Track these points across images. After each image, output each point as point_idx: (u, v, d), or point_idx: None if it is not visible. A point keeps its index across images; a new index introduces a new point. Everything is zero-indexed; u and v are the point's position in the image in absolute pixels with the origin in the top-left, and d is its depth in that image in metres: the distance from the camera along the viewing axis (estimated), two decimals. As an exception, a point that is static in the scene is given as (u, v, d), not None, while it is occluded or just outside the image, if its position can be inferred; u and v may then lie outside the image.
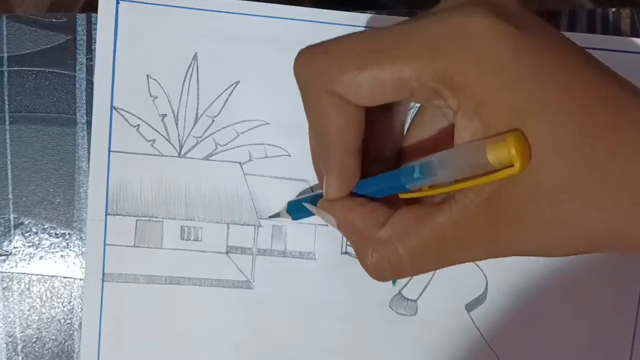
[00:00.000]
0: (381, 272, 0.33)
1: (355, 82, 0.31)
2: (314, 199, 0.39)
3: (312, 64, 0.33)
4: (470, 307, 0.46)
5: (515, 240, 0.31)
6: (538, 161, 0.28)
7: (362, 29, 0.44)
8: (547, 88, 0.28)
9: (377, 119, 0.35)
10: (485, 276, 0.46)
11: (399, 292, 0.46)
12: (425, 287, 0.46)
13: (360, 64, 0.31)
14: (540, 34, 0.29)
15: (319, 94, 0.33)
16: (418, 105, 0.39)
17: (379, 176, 0.35)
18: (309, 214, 0.41)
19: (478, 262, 0.46)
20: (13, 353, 0.46)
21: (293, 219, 0.44)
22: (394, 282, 0.46)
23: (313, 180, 0.45)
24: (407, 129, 0.38)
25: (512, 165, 0.28)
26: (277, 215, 0.45)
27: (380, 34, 0.31)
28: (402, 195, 0.34)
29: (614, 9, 0.47)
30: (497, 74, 0.29)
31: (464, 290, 0.46)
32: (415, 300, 0.46)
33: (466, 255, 0.32)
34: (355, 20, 0.44)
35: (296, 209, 0.43)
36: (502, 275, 0.46)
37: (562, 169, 0.28)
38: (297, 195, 0.45)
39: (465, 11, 0.29)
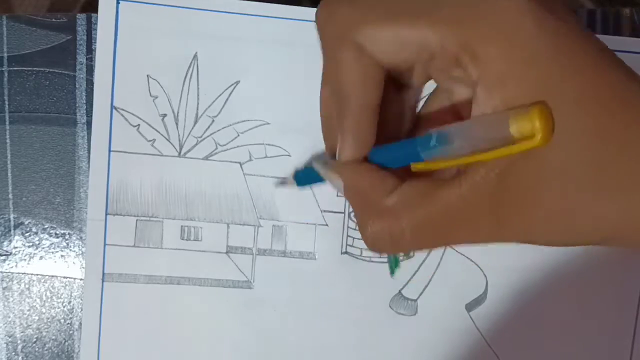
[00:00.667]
0: (380, 242, 0.33)
1: (379, 36, 0.31)
2: (323, 165, 0.38)
3: (337, 13, 0.32)
4: (470, 307, 0.46)
5: (521, 222, 0.30)
6: (553, 142, 0.28)
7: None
8: (568, 71, 0.28)
9: (390, 100, 0.35)
10: (485, 276, 0.46)
11: (399, 292, 0.46)
12: (426, 286, 0.46)
13: (385, 18, 0.31)
14: (566, 18, 0.29)
15: (340, 44, 0.32)
16: (427, 95, 0.39)
17: (393, 144, 0.34)
18: (315, 180, 0.40)
19: (478, 262, 0.46)
20: (13, 353, 0.46)
21: (298, 184, 0.43)
22: (392, 272, 0.46)
23: (313, 180, 0.45)
24: (418, 113, 0.38)
25: (534, 138, 0.27)
26: (284, 181, 0.45)
27: None
28: (414, 167, 0.33)
29: (614, 9, 0.47)
30: (521, 49, 0.28)
31: (464, 290, 0.46)
32: (416, 300, 0.46)
33: (469, 235, 0.32)
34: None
35: (303, 176, 0.42)
36: (502, 275, 0.46)
37: (576, 154, 0.28)
38: (305, 163, 0.45)
39: None
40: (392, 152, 0.34)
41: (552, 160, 0.29)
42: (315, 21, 0.34)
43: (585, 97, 0.28)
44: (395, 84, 0.35)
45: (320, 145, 0.44)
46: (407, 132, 0.38)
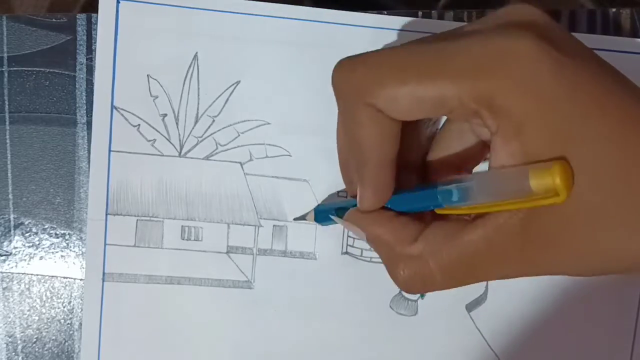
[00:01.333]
0: (412, 286, 0.33)
1: (395, 97, 0.31)
2: (341, 209, 0.39)
3: (351, 75, 0.33)
4: (470, 307, 0.46)
5: (548, 262, 0.31)
6: (577, 188, 0.28)
7: (362, 28, 0.44)
8: (587, 114, 0.28)
9: (407, 128, 0.35)
10: (486, 276, 0.46)
11: (400, 292, 0.46)
12: (426, 287, 0.46)
13: (400, 78, 0.31)
14: (582, 56, 0.30)
15: (357, 105, 0.32)
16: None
17: (413, 194, 0.35)
18: (335, 222, 0.41)
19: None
20: (13, 353, 0.46)
21: (319, 223, 0.44)
22: (422, 296, 0.46)
23: (313, 179, 0.45)
24: (435, 139, 0.38)
25: (554, 192, 0.28)
26: (303, 218, 0.45)
27: (421, 49, 0.31)
28: (438, 211, 0.34)
29: (614, 9, 0.47)
30: (538, 99, 0.28)
31: (464, 291, 0.46)
32: (416, 301, 0.46)
33: (498, 273, 0.32)
34: (355, 20, 0.44)
35: (323, 216, 0.43)
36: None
37: (600, 197, 0.29)
38: (325, 199, 0.45)
39: (508, 32, 0.29)
40: (414, 202, 0.35)
41: (575, 206, 0.29)
42: (331, 80, 0.34)
43: (606, 136, 0.28)
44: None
45: (320, 145, 0.44)
46: (423, 159, 0.39)
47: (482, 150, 0.37)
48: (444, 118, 0.38)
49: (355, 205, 0.37)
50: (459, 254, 0.32)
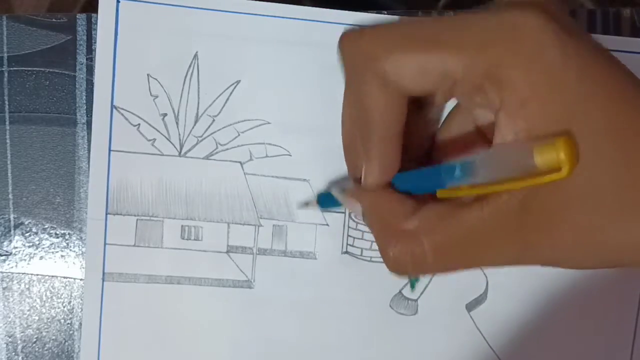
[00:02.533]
0: (402, 266, 0.32)
1: (401, 65, 0.31)
2: (342, 191, 0.39)
3: (359, 43, 0.33)
4: (470, 306, 0.46)
5: (546, 246, 0.30)
6: (578, 168, 0.28)
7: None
8: (591, 95, 0.28)
9: (411, 117, 0.35)
10: (486, 276, 0.46)
11: (400, 291, 0.46)
12: (426, 286, 0.46)
13: (407, 48, 0.31)
14: (585, 39, 0.29)
15: (363, 73, 0.32)
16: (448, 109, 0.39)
17: (417, 171, 0.35)
18: (337, 204, 0.40)
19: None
20: (13, 353, 0.46)
21: (322, 208, 0.44)
22: (412, 286, 0.46)
23: (313, 179, 0.45)
24: (438, 131, 0.38)
25: (558, 169, 0.27)
26: (306, 204, 0.45)
27: (429, 22, 0.32)
28: (439, 193, 0.33)
29: (614, 9, 0.47)
30: (545, 74, 0.28)
31: (464, 290, 0.46)
32: (416, 300, 0.46)
33: (492, 258, 0.32)
34: (356, 20, 0.44)
35: (325, 200, 0.43)
36: (502, 275, 0.46)
37: (600, 178, 0.28)
38: (327, 186, 0.45)
39: (517, 8, 0.29)
40: (416, 179, 0.35)
41: (576, 186, 0.29)
42: (337, 47, 0.34)
43: (608, 121, 0.28)
44: (416, 103, 0.35)
45: (320, 145, 0.45)
46: (428, 147, 0.38)
47: (483, 143, 0.36)
48: (447, 109, 0.38)
49: None
50: (455, 234, 0.31)
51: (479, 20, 0.30)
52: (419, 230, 0.32)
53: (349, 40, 0.34)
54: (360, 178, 0.36)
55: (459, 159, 0.32)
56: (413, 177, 0.35)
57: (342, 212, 0.46)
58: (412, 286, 0.46)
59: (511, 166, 0.29)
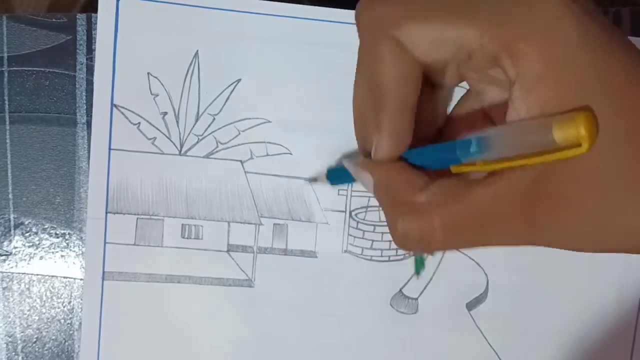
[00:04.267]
0: (409, 240, 0.32)
1: (418, 32, 0.31)
2: (353, 163, 0.38)
3: (376, 8, 0.32)
4: (471, 305, 0.46)
5: (556, 225, 0.30)
6: (595, 146, 0.28)
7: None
8: (606, 74, 0.28)
9: (422, 99, 0.34)
10: (486, 275, 0.46)
11: (400, 290, 0.46)
12: (426, 285, 0.46)
13: (425, 15, 0.31)
14: (602, 21, 0.29)
15: (379, 39, 0.32)
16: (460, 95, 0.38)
17: (431, 146, 0.34)
18: (348, 180, 0.40)
19: (479, 261, 0.46)
20: (13, 353, 0.46)
21: (332, 184, 0.44)
22: (417, 271, 0.46)
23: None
24: (449, 115, 0.38)
25: (577, 145, 0.27)
26: (314, 179, 0.45)
27: None
28: (453, 169, 0.33)
29: (614, 9, 0.47)
30: (561, 47, 0.28)
31: (464, 289, 0.46)
32: (416, 299, 0.46)
33: (501, 236, 0.31)
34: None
35: (336, 174, 0.43)
36: (502, 274, 0.46)
37: (615, 158, 0.28)
38: (337, 161, 0.45)
39: None
40: (431, 154, 0.34)
41: (590, 165, 0.28)
42: (355, 15, 0.34)
43: (624, 99, 0.28)
44: (427, 83, 0.34)
45: (321, 143, 0.45)
46: (437, 133, 0.38)
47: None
48: (458, 96, 0.38)
49: None
50: (465, 210, 0.30)
51: None
52: (429, 204, 0.31)
53: (366, 8, 0.33)
54: (371, 153, 0.35)
55: (474, 134, 0.31)
56: (427, 153, 0.34)
57: (343, 211, 0.46)
58: (417, 271, 0.46)
59: (528, 141, 0.29)
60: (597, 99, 0.28)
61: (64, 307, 0.46)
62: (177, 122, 0.45)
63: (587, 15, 0.29)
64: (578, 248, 0.31)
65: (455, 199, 0.31)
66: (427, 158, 0.34)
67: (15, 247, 0.45)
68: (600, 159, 0.28)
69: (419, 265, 0.46)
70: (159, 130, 0.45)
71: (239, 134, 0.45)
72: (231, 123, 0.45)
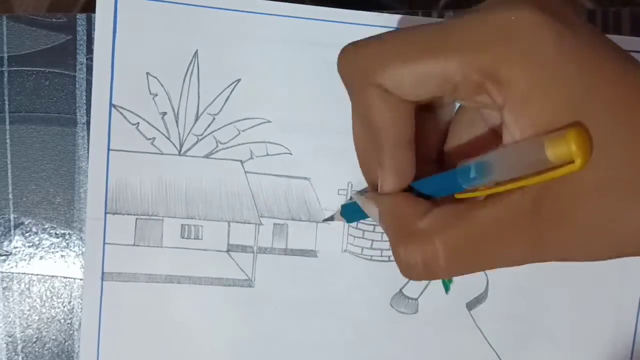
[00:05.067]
0: (413, 267, 0.32)
1: (399, 76, 0.31)
2: (360, 196, 0.39)
3: (355, 58, 0.33)
4: (471, 305, 0.46)
5: (558, 241, 0.30)
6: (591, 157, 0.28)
7: (362, 27, 0.44)
8: (593, 84, 0.28)
9: (422, 120, 0.35)
10: (486, 275, 0.46)
11: (400, 290, 0.46)
12: (426, 285, 0.46)
13: (402, 56, 0.31)
14: (583, 29, 0.29)
15: (364, 88, 0.33)
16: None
17: (433, 177, 0.35)
18: (362, 216, 0.41)
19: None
20: (13, 353, 0.46)
21: (347, 222, 0.44)
22: (447, 288, 0.46)
23: (314, 177, 0.45)
24: (449, 131, 0.38)
25: (571, 161, 0.27)
26: (331, 218, 0.45)
27: (423, 29, 0.31)
28: (458, 196, 0.33)
29: (614, 9, 0.47)
30: (541, 68, 0.28)
31: (465, 289, 0.46)
32: (416, 299, 0.46)
33: (504, 257, 0.31)
34: (356, 19, 0.44)
35: (349, 211, 0.43)
36: (503, 274, 0.46)
37: (610, 167, 0.28)
38: (350, 198, 0.45)
39: (509, 5, 0.29)
40: (434, 184, 0.35)
41: (587, 178, 0.28)
42: (337, 68, 0.34)
43: (614, 108, 0.28)
44: (425, 106, 0.35)
45: (321, 143, 0.45)
46: (440, 149, 0.38)
47: (493, 139, 0.36)
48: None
49: None
50: (467, 233, 0.30)
51: (472, 20, 0.30)
52: (431, 229, 0.31)
53: (345, 59, 0.34)
54: (377, 187, 0.36)
55: (472, 161, 0.32)
56: (431, 183, 0.35)
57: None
58: (447, 289, 0.46)
59: (525, 162, 0.29)
60: (588, 111, 0.28)
61: (63, 307, 0.46)
62: (177, 122, 0.45)
63: (568, 30, 0.29)
64: (582, 259, 0.31)
65: (456, 223, 0.31)
66: (431, 187, 0.35)
67: (15, 247, 0.45)
68: (597, 169, 0.28)
69: (447, 282, 0.46)
70: (158, 130, 0.45)
71: (239, 133, 0.45)
72: (231, 123, 0.45)
